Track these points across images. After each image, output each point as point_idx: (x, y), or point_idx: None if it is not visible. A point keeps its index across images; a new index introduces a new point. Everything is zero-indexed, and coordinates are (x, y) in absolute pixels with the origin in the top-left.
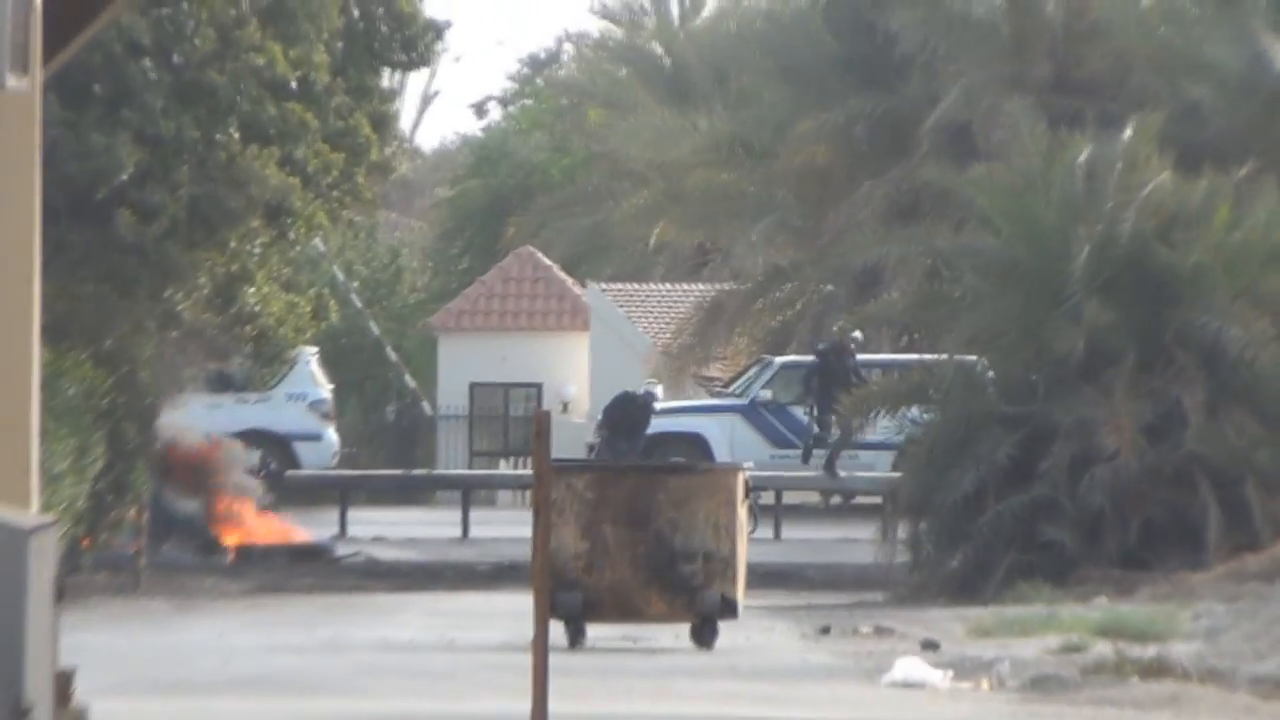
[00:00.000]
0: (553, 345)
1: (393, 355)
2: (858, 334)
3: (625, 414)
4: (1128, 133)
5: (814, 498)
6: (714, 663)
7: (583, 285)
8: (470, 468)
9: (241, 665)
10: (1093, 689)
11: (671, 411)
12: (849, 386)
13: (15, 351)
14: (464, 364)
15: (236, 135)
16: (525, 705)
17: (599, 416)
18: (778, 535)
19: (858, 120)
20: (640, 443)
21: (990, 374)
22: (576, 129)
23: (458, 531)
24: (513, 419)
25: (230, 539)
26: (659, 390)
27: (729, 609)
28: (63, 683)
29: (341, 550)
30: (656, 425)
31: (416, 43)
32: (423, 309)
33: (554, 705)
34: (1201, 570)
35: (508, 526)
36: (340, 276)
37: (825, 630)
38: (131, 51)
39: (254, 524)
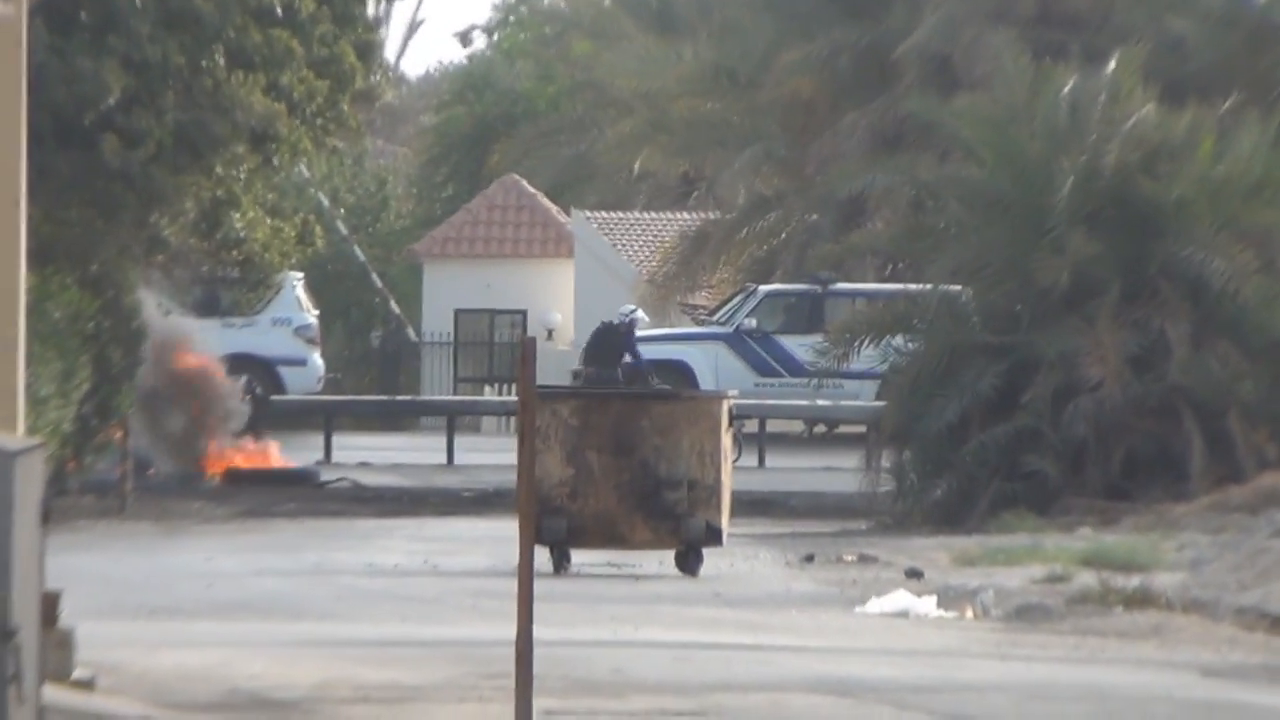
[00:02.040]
0: (537, 272)
1: (378, 281)
2: None
3: (603, 342)
4: (1111, 66)
5: (798, 426)
6: (698, 590)
7: (567, 213)
8: (455, 394)
9: (227, 589)
10: (1077, 618)
11: (656, 339)
12: None
13: (1, 276)
14: (449, 290)
15: (222, 62)
16: (510, 630)
17: (582, 348)
18: (762, 463)
19: (842, 51)
20: (620, 367)
21: (974, 304)
22: (562, 58)
23: (443, 458)
24: (497, 345)
25: (215, 463)
26: (640, 313)
27: (713, 536)
28: (49, 604)
29: (326, 476)
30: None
31: None
32: (408, 235)
33: (538, 631)
34: (1185, 501)
35: (493, 453)
36: (325, 202)
37: (809, 558)
38: None
39: (239, 449)
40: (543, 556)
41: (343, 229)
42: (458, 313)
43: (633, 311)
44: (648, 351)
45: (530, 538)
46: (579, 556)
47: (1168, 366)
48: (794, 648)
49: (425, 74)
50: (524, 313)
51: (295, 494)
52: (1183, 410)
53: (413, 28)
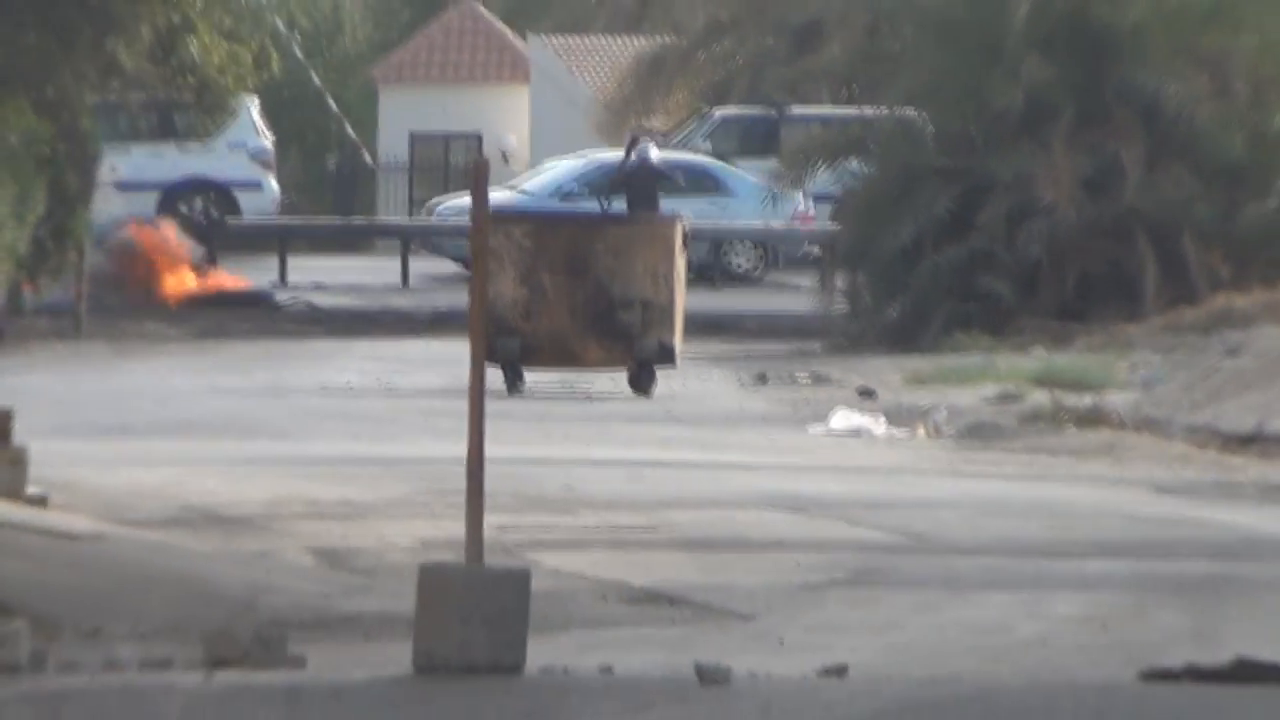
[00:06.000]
0: (493, 97)
1: (334, 106)
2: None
3: (639, 187)
4: None
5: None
6: (651, 409)
7: (523, 37)
8: (410, 216)
9: (180, 408)
10: (1029, 437)
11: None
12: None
13: None
14: (405, 115)
15: None
16: (462, 448)
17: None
18: (715, 285)
19: None
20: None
21: (929, 128)
22: None
23: (397, 279)
24: (453, 169)
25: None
26: (651, 149)
27: (667, 356)
28: (2, 423)
29: (281, 297)
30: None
31: None
32: (364, 60)
33: (491, 449)
34: (1138, 322)
35: (448, 275)
36: (282, 27)
37: (762, 378)
38: None
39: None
40: (496, 376)
41: (299, 53)
42: (413, 136)
43: (646, 145)
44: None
45: (481, 355)
46: (532, 376)
47: (1122, 189)
48: (746, 465)
49: None
50: (479, 136)
51: (250, 315)
52: (1137, 232)
53: None
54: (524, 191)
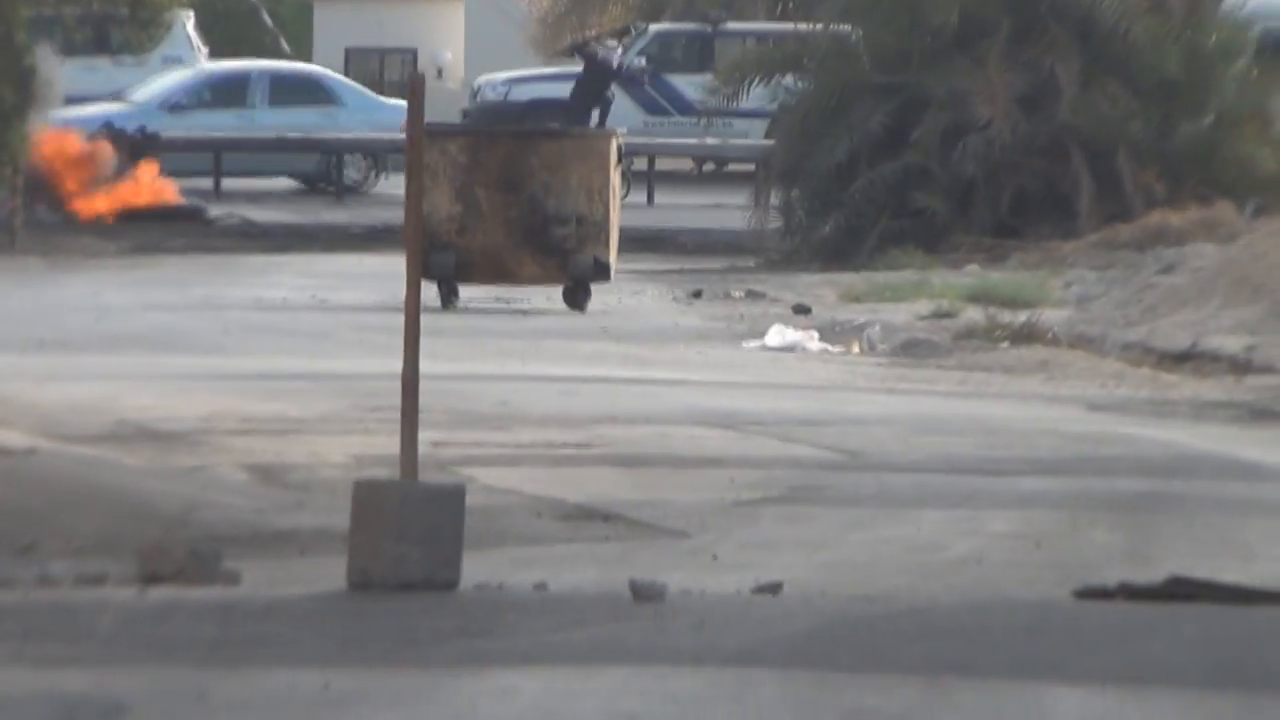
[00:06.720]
0: (428, 12)
1: (269, 20)
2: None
3: (585, 78)
4: None
5: (687, 164)
6: (586, 324)
7: None
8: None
9: (115, 323)
10: (963, 354)
11: (546, 79)
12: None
13: None
14: (340, 29)
15: None
16: (396, 364)
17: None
18: (651, 201)
19: None
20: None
21: (864, 44)
22: None
23: (332, 193)
24: (388, 84)
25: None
26: (615, 53)
27: (601, 272)
28: None
29: (215, 211)
30: (530, 92)
31: None
32: None
33: (425, 365)
34: (1073, 239)
35: (383, 189)
36: None
37: (697, 294)
38: None
39: (129, 189)
40: (431, 292)
41: None
42: (348, 51)
43: (609, 51)
44: (537, 90)
45: (417, 271)
46: (467, 292)
47: (1057, 106)
48: (680, 382)
49: None
50: (414, 51)
51: (184, 230)
52: (1072, 149)
53: None
54: (131, 102)
